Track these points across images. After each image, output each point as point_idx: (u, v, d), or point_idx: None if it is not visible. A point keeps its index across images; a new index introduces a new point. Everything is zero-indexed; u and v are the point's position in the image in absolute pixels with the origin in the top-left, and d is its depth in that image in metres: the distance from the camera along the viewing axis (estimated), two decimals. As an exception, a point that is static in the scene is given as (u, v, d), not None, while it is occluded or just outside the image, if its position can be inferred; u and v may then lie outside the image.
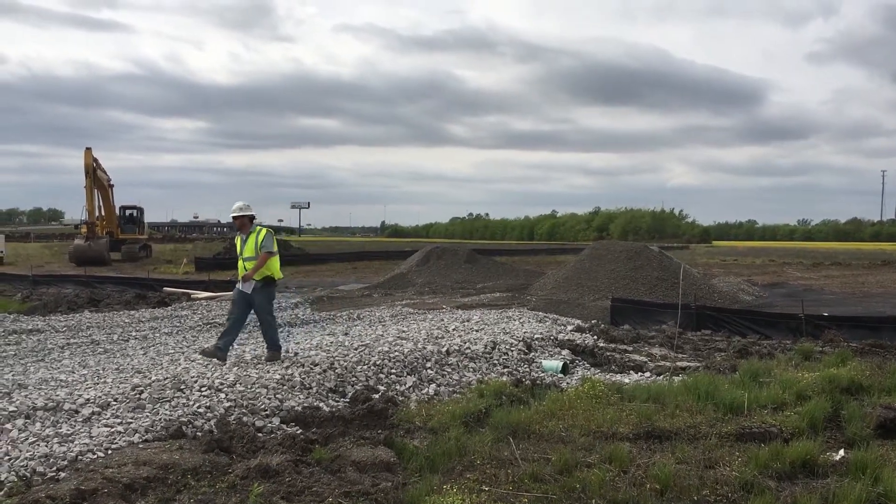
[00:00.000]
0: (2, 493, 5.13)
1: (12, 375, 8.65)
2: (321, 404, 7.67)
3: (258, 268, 9.29)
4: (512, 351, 10.65)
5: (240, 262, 9.55)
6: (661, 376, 9.66)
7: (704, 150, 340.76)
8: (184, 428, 6.62)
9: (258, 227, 9.59)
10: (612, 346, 12.11)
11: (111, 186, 39.11)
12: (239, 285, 9.44)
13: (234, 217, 9.64)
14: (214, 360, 9.07)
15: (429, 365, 9.45)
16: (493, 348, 10.60)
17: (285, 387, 7.90)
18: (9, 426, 6.33)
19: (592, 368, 10.53)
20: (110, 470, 5.45)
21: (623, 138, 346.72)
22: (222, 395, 7.39)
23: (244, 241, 9.53)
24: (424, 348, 10.07)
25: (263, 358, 9.33)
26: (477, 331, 12.28)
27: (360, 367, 8.89)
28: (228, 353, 9.40)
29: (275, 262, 9.51)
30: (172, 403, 7.12)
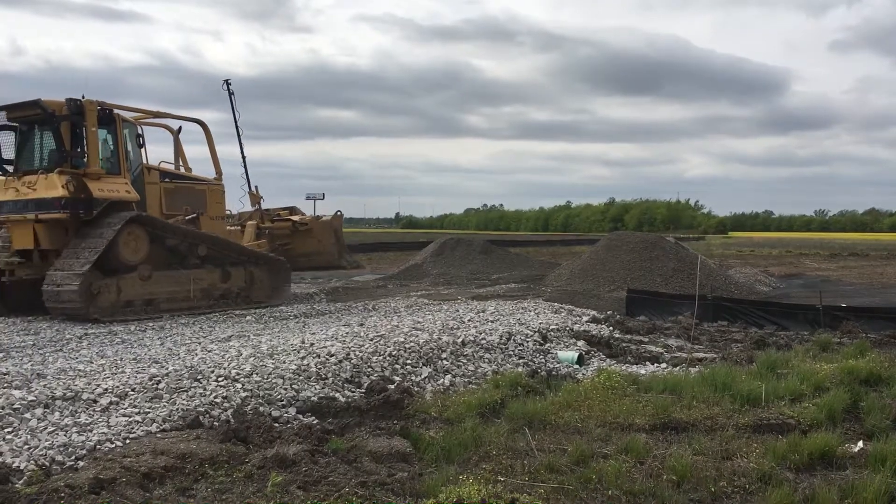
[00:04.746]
0: (21, 481, 5.18)
1: (31, 365, 8.72)
2: (337, 395, 7.69)
3: None
4: (527, 342, 10.64)
5: None
6: (678, 367, 9.62)
7: (723, 140, 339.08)
8: (201, 418, 6.66)
9: None
10: (628, 337, 12.07)
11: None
12: None
13: None
14: None
15: (444, 356, 9.45)
16: (509, 339, 10.59)
17: (301, 377, 7.93)
18: (28, 415, 6.39)
19: (608, 359, 10.49)
20: (128, 459, 5.49)
21: (642, 129, 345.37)
22: (239, 386, 7.43)
23: None
24: (440, 339, 10.08)
25: None
26: (492, 322, 12.27)
27: (375, 357, 8.91)
28: None
29: None
30: (189, 393, 7.17)
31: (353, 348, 9.19)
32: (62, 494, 4.86)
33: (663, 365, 9.93)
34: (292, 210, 19.75)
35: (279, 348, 9.25)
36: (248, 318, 13.99)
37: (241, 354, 8.86)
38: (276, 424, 6.69)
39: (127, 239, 14.05)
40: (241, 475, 5.37)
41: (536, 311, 13.91)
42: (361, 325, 12.05)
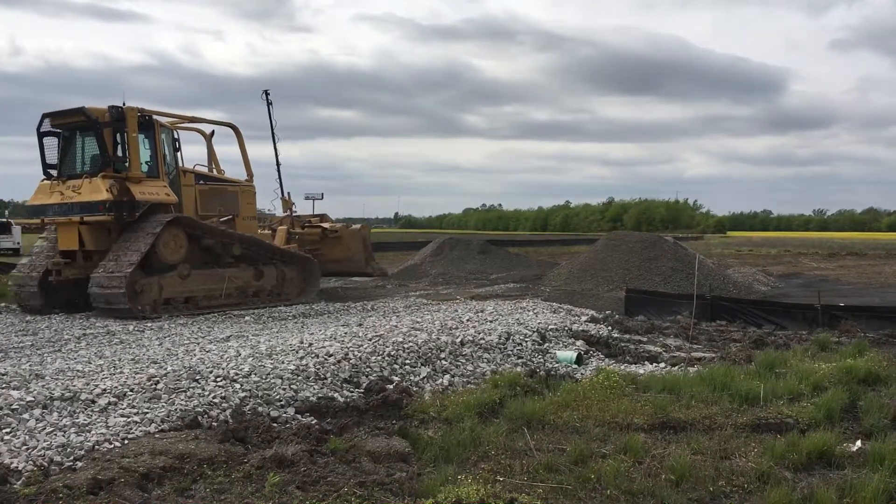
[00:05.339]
0: (20, 482, 5.17)
1: (30, 366, 8.71)
2: (336, 395, 7.69)
3: None
4: (526, 342, 10.64)
5: None
6: (676, 367, 9.62)
7: (723, 139, 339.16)
8: (199, 418, 6.65)
9: None
10: (627, 336, 12.07)
11: (126, 178, 39.32)
12: None
13: None
14: None
15: (443, 356, 9.45)
16: (508, 339, 10.59)
17: (300, 377, 7.92)
18: (26, 416, 6.38)
19: (607, 359, 10.49)
20: (127, 459, 5.49)
21: (641, 128, 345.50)
22: (237, 386, 7.42)
23: None
24: (438, 339, 10.07)
25: None
26: (491, 321, 12.27)
27: (374, 357, 8.90)
28: None
29: None
30: (188, 394, 7.16)
31: (351, 348, 9.19)
32: (60, 495, 4.87)
33: (662, 364, 9.93)
34: (322, 217, 20.87)
35: (278, 348, 9.24)
36: (246, 318, 13.99)
37: (240, 355, 8.85)
38: (275, 424, 6.69)
39: (167, 240, 14.73)
40: (240, 475, 5.37)
41: (535, 311, 13.91)
42: (360, 325, 12.05)
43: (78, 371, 8.25)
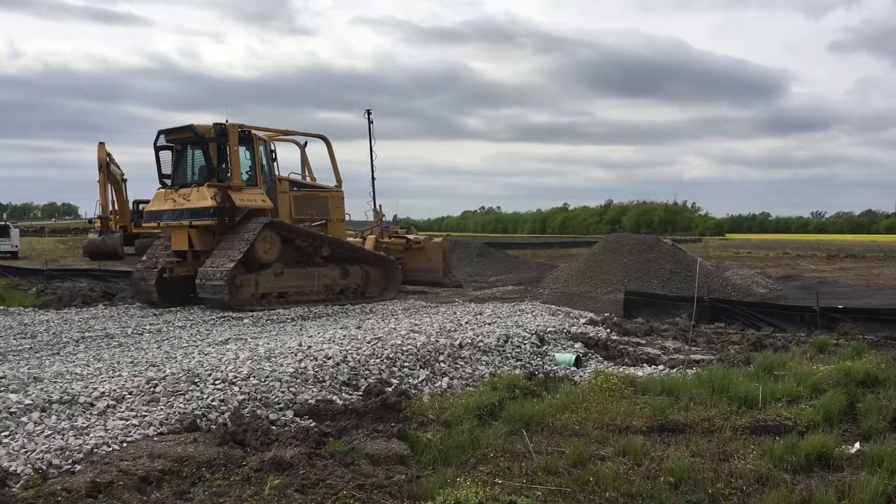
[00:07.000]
0: (18, 485, 5.17)
1: (28, 369, 8.71)
2: (334, 397, 7.69)
3: None
4: (525, 344, 10.64)
5: None
6: (675, 369, 9.62)
7: (722, 142, 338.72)
8: (198, 421, 6.65)
9: None
10: (626, 338, 12.07)
11: (125, 181, 39.34)
12: None
13: None
14: None
15: (441, 358, 9.45)
16: (506, 341, 10.59)
17: (298, 380, 7.92)
18: (25, 419, 6.38)
19: (605, 361, 10.49)
20: (125, 462, 5.48)
21: (641, 131, 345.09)
22: (236, 389, 7.42)
23: None
24: (437, 341, 10.07)
25: None
26: (489, 324, 12.27)
27: (372, 360, 8.90)
28: None
29: None
30: (187, 397, 7.16)
31: (350, 351, 9.18)
32: (59, 498, 4.86)
33: (660, 367, 9.93)
34: (409, 229, 22.67)
35: (276, 351, 9.24)
36: (245, 321, 13.98)
37: (239, 357, 8.84)
38: (274, 427, 6.69)
39: (263, 241, 16.30)
40: (239, 478, 5.37)
41: (534, 314, 13.91)
42: (359, 327, 12.05)
43: (76, 374, 8.25)
